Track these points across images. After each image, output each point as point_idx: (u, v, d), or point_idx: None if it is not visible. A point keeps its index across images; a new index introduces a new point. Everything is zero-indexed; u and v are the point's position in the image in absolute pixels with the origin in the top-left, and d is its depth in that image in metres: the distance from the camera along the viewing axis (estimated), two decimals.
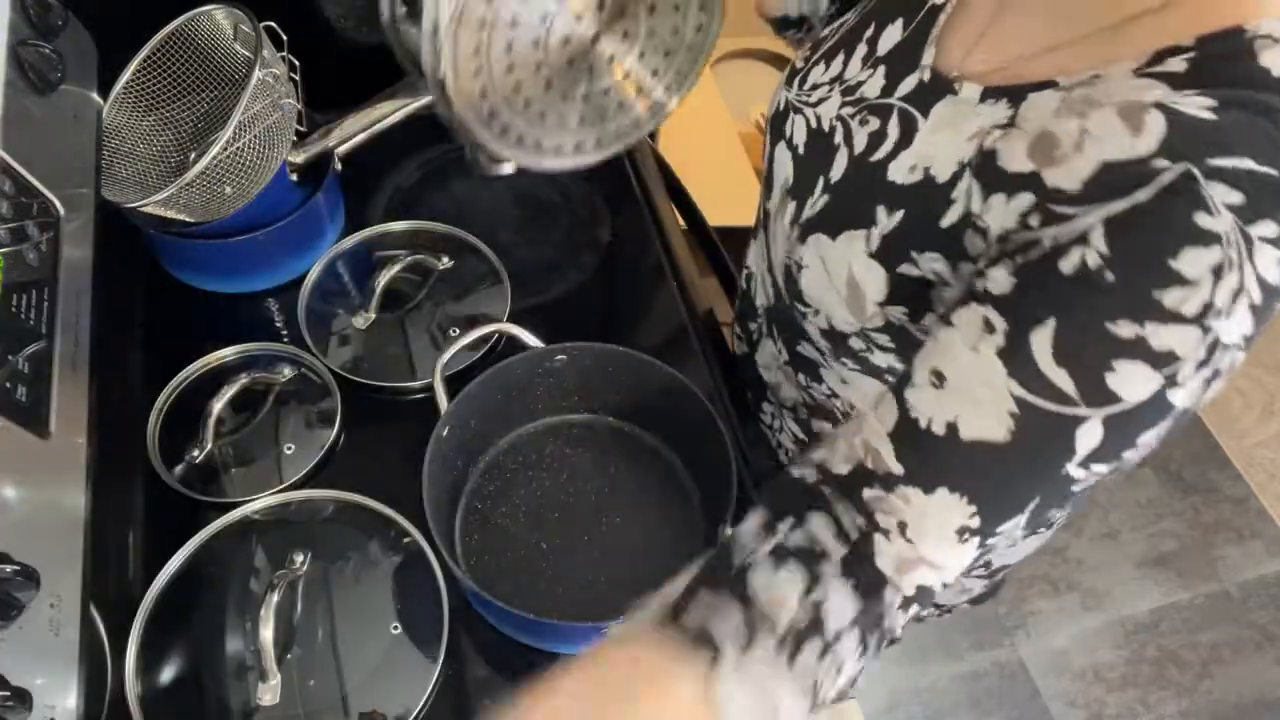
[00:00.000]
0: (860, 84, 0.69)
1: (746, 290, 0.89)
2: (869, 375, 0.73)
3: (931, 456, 0.52)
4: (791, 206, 0.72)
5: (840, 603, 0.52)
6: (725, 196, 1.72)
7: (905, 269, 0.61)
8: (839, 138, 0.69)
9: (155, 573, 0.77)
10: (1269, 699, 1.75)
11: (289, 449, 0.86)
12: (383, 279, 0.94)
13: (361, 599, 0.77)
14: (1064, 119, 0.54)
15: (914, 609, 0.54)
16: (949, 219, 0.59)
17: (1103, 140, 0.51)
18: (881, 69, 0.68)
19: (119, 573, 0.77)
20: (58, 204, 0.68)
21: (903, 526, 0.52)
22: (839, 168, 0.68)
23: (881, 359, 0.69)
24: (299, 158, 0.95)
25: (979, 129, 0.59)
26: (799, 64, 0.77)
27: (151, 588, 0.76)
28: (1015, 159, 0.55)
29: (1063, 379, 0.48)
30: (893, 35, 0.69)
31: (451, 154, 1.13)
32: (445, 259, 1.00)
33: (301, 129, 0.94)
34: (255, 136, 0.84)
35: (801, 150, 0.73)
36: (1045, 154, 0.53)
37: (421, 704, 0.73)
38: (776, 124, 0.77)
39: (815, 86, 0.74)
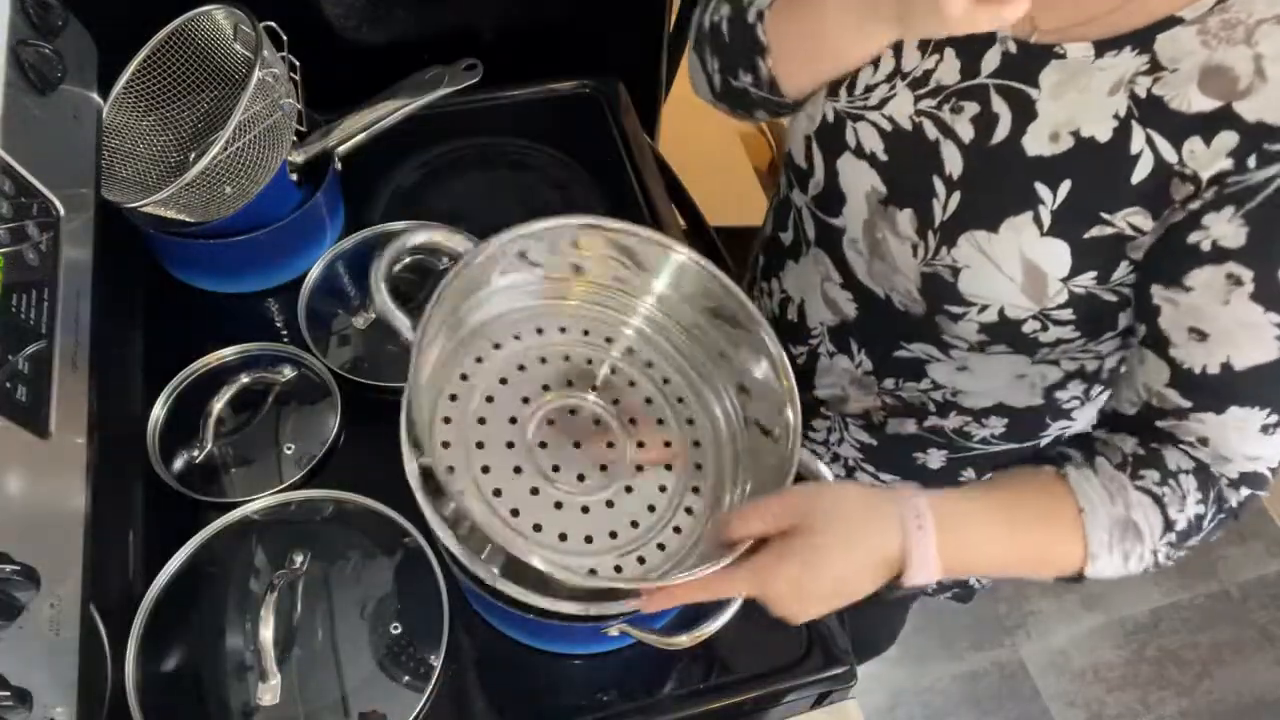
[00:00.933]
0: (929, 72, 0.67)
1: (779, 315, 0.86)
2: (1015, 353, 0.70)
3: (1213, 389, 0.59)
4: (905, 216, 0.68)
5: (1175, 456, 0.61)
6: (725, 196, 1.72)
7: (1095, 232, 0.61)
8: (933, 132, 0.67)
9: (155, 573, 0.77)
10: (1269, 699, 1.75)
11: (289, 449, 0.86)
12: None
13: (361, 599, 0.77)
14: (1221, 49, 0.55)
15: (1245, 490, 0.62)
16: (1141, 173, 0.58)
17: None
18: (949, 51, 0.66)
19: (119, 573, 0.77)
20: (58, 204, 0.68)
21: (1204, 440, 0.61)
22: (954, 162, 0.66)
23: (1052, 334, 0.67)
24: (299, 158, 0.95)
25: (1118, 80, 0.59)
26: None
27: (151, 588, 0.76)
28: (1191, 99, 0.56)
29: None
30: None
31: (451, 154, 1.13)
32: (445, 259, 0.99)
33: (301, 129, 0.94)
34: (255, 136, 0.84)
35: (884, 156, 0.70)
36: (1226, 87, 0.55)
37: (421, 704, 0.73)
38: (826, 138, 0.73)
39: (870, 88, 0.70)
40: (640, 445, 0.70)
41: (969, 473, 0.84)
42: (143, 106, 0.90)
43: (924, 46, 0.68)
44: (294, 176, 0.94)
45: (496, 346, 0.70)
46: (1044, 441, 0.81)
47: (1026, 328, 0.67)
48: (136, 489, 0.82)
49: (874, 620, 1.30)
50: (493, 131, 1.16)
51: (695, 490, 0.70)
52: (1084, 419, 0.81)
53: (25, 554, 0.54)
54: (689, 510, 0.69)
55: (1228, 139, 0.55)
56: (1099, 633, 1.81)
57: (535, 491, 0.65)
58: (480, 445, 0.66)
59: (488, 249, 0.65)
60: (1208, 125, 0.56)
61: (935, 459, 0.84)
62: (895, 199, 0.70)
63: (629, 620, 0.66)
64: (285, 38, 0.89)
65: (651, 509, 0.68)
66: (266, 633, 0.70)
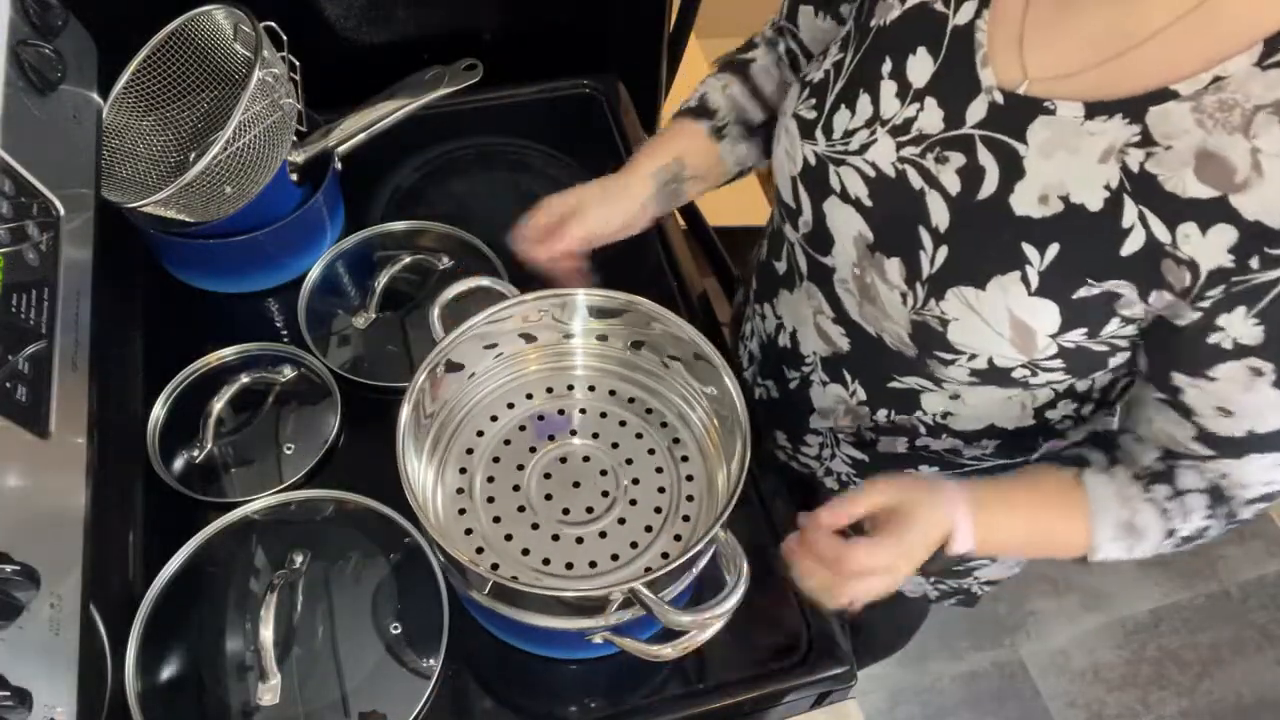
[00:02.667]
0: (910, 120, 0.67)
1: (772, 339, 0.86)
2: (1007, 387, 0.72)
3: (1235, 446, 0.64)
4: (893, 264, 0.68)
5: (1189, 476, 0.67)
6: (725, 197, 1.72)
7: (1083, 293, 0.61)
8: (917, 182, 0.66)
9: (155, 573, 0.77)
10: (1269, 699, 1.75)
11: (289, 449, 0.86)
12: (383, 279, 0.94)
13: (361, 599, 0.77)
14: (1218, 134, 0.54)
15: (1260, 505, 0.68)
16: (1130, 247, 0.58)
17: None
18: (929, 101, 0.66)
19: (119, 573, 0.77)
20: (58, 204, 0.68)
21: (1224, 475, 0.66)
22: (940, 214, 0.65)
23: (1042, 378, 0.68)
24: (299, 158, 0.95)
25: (1108, 148, 0.58)
26: (806, 114, 0.74)
27: (151, 588, 0.76)
28: (1186, 184, 0.55)
29: None
30: (922, 64, 0.66)
31: (451, 154, 1.13)
32: (445, 259, 1.00)
33: (301, 129, 0.94)
34: (255, 136, 0.84)
35: (868, 202, 0.70)
36: (1221, 178, 0.54)
37: (421, 704, 0.73)
38: (811, 180, 0.73)
39: (849, 133, 0.70)
40: (629, 462, 0.75)
41: None
42: (143, 106, 0.90)
43: (903, 95, 0.67)
44: (294, 176, 0.94)
45: (480, 434, 0.77)
46: (1034, 457, 0.81)
47: (1016, 374, 0.68)
48: (136, 489, 0.82)
49: (895, 618, 1.30)
50: (493, 131, 1.16)
51: (690, 479, 0.75)
52: (1076, 437, 0.81)
53: (25, 554, 0.54)
54: (689, 498, 0.74)
55: (1226, 233, 0.55)
56: (1099, 633, 1.81)
57: (556, 538, 0.71)
58: (497, 520, 0.72)
59: (431, 363, 0.72)
60: (1204, 213, 0.55)
61: (926, 473, 0.84)
62: (883, 246, 0.69)
63: (613, 630, 0.66)
64: (285, 38, 0.89)
65: (658, 510, 0.73)
66: (266, 633, 0.70)
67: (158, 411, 0.87)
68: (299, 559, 0.77)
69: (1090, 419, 0.78)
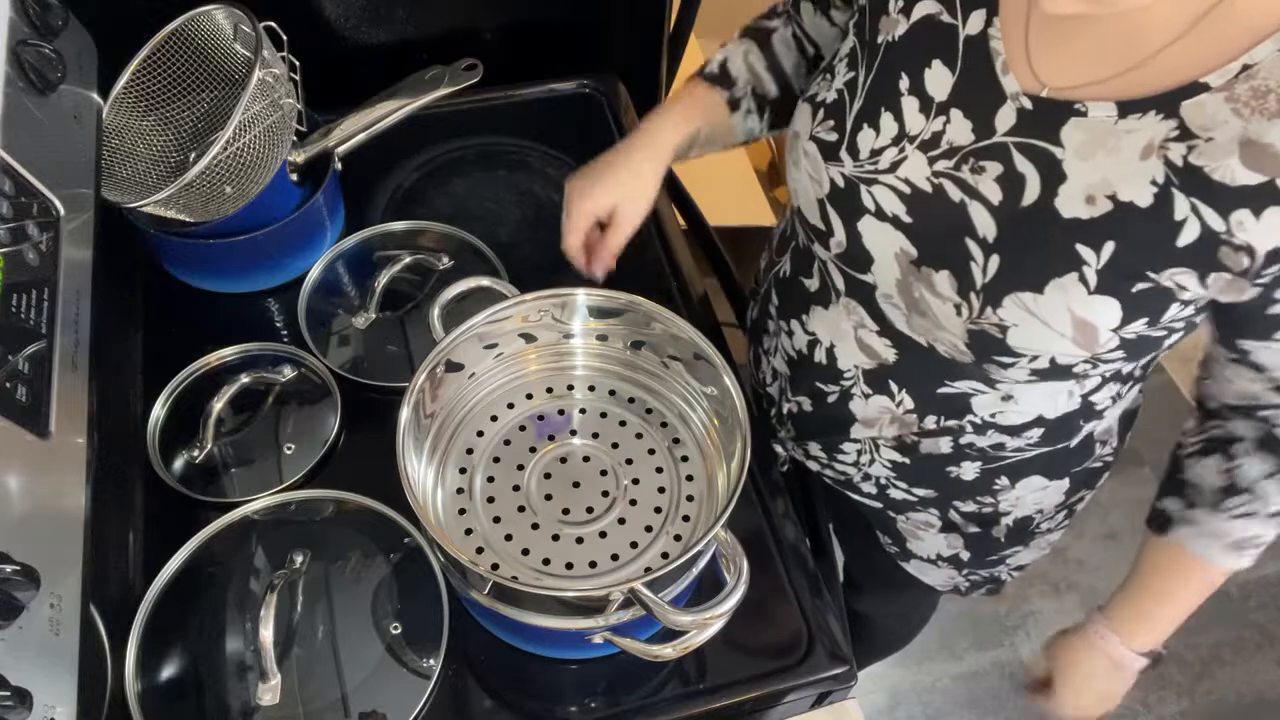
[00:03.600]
0: (939, 134, 0.67)
1: (806, 355, 0.85)
2: (1063, 380, 0.73)
3: None
4: (942, 278, 0.68)
5: (1252, 466, 0.72)
6: (725, 197, 1.72)
7: (1143, 286, 0.61)
8: (956, 194, 0.67)
9: (155, 573, 0.77)
10: (1269, 699, 1.75)
11: (289, 449, 0.86)
12: (383, 279, 0.94)
13: (361, 599, 0.77)
14: (1256, 120, 0.55)
15: None
16: (1186, 238, 0.59)
17: None
18: (955, 113, 0.66)
19: (119, 573, 0.77)
20: (58, 204, 0.68)
21: None
22: (985, 224, 0.66)
23: (1101, 369, 0.69)
24: (299, 158, 0.95)
25: (1148, 144, 0.59)
26: (826, 137, 0.73)
27: (151, 588, 0.76)
28: (1235, 173, 0.56)
29: None
30: (940, 77, 0.66)
31: (451, 154, 1.13)
32: (445, 259, 1.00)
33: (301, 129, 0.94)
34: (255, 136, 0.84)
35: (907, 219, 0.69)
36: (1268, 163, 0.55)
37: (421, 704, 0.73)
38: (842, 202, 0.73)
39: (876, 153, 0.70)
40: (629, 462, 0.75)
41: (1003, 480, 0.85)
42: (143, 106, 0.90)
43: (926, 109, 0.67)
44: (294, 176, 0.94)
45: (480, 434, 0.77)
46: (1075, 441, 0.82)
47: (1078, 369, 0.69)
48: (136, 489, 0.82)
49: (899, 616, 1.30)
50: (493, 131, 1.16)
51: (690, 479, 0.75)
52: (1113, 415, 0.83)
53: (25, 554, 0.54)
54: (689, 498, 0.74)
55: (1279, 215, 0.56)
56: None
57: (556, 538, 0.72)
58: (497, 520, 0.73)
59: (431, 364, 0.72)
60: (1255, 198, 0.56)
61: (969, 471, 0.84)
62: (928, 260, 0.69)
63: (613, 630, 0.66)
64: (285, 38, 0.89)
65: (658, 510, 0.73)
66: (266, 633, 0.70)
67: (158, 411, 0.87)
68: (299, 559, 0.77)
69: (1127, 399, 0.81)
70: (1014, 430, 0.79)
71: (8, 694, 0.49)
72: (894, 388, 0.80)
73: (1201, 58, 0.57)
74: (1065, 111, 0.61)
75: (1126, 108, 0.59)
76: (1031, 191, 0.63)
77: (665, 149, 0.86)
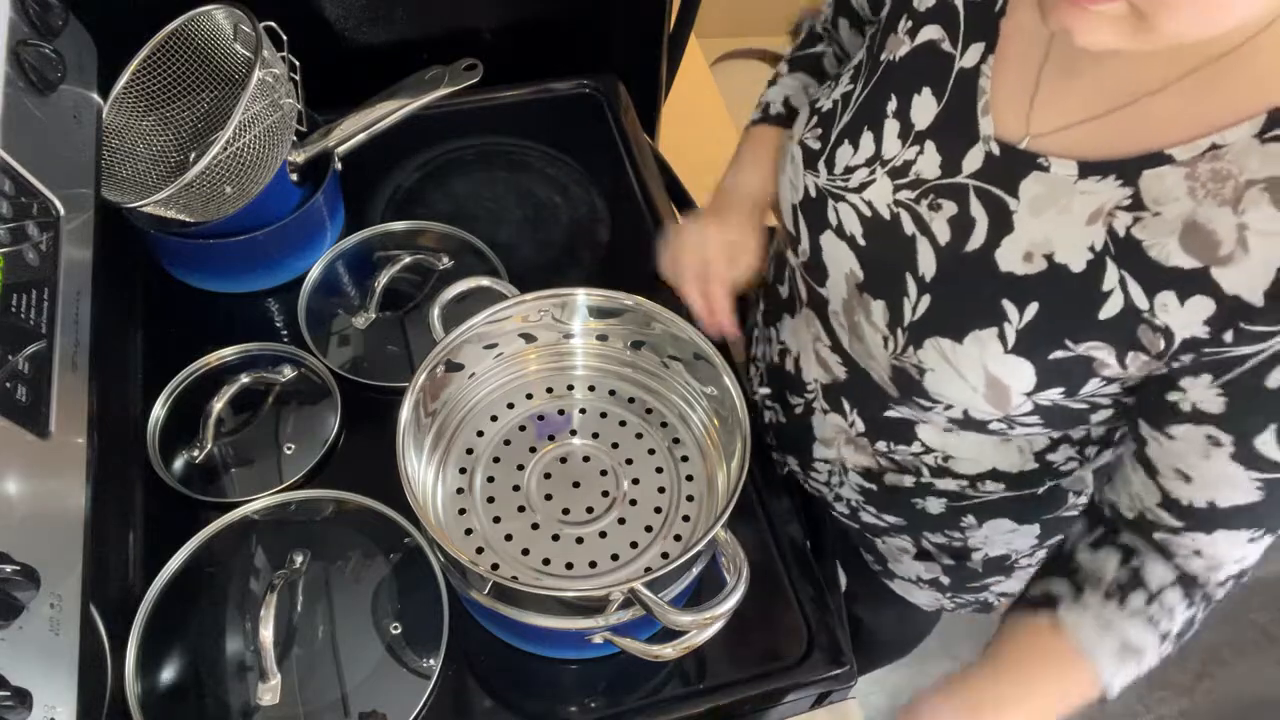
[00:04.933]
0: (909, 163, 0.66)
1: (779, 364, 0.86)
2: (985, 434, 0.71)
3: (1200, 518, 0.61)
4: (878, 307, 0.68)
5: (1156, 569, 0.64)
6: None
7: (1059, 354, 0.60)
8: (910, 227, 0.66)
9: (155, 573, 0.77)
10: (1269, 699, 1.75)
11: (289, 449, 0.86)
12: (383, 279, 0.94)
13: (361, 599, 0.77)
14: (1207, 205, 0.54)
15: (1231, 583, 0.66)
16: (1109, 311, 0.58)
17: (1268, 238, 0.52)
18: (929, 145, 0.65)
19: (119, 573, 0.77)
20: (58, 204, 0.68)
21: (1197, 552, 0.63)
22: (927, 262, 0.65)
23: (1019, 431, 0.67)
24: (299, 158, 0.95)
25: (1097, 209, 0.57)
26: (811, 144, 0.73)
27: (151, 588, 0.76)
28: (1170, 253, 0.55)
29: None
30: (926, 106, 0.65)
31: (451, 154, 1.13)
32: (445, 259, 1.00)
33: (301, 129, 0.94)
34: (255, 136, 0.84)
35: (862, 241, 0.69)
36: (1205, 250, 0.54)
37: (421, 704, 0.73)
38: (811, 212, 0.73)
39: (850, 170, 0.69)
40: (629, 462, 0.75)
41: (970, 518, 0.84)
42: (143, 106, 0.90)
43: (905, 135, 0.66)
44: (294, 176, 0.94)
45: (480, 434, 0.77)
46: (1041, 490, 0.80)
47: (993, 426, 0.68)
48: (136, 489, 0.82)
49: (901, 628, 1.30)
50: (493, 131, 1.16)
51: (690, 479, 0.75)
52: (1082, 472, 0.80)
53: (25, 554, 0.54)
54: (689, 498, 0.74)
55: (1203, 305, 0.55)
56: None
57: (556, 538, 0.72)
58: (497, 520, 0.73)
59: (430, 365, 0.72)
60: (1184, 283, 0.55)
61: (935, 506, 0.84)
62: (870, 288, 0.69)
63: (613, 630, 0.66)
64: (285, 38, 0.89)
65: (658, 510, 0.74)
66: (266, 633, 0.70)
67: (158, 411, 0.87)
68: (299, 559, 0.77)
69: (1095, 459, 0.77)
70: (971, 480, 0.79)
71: (8, 694, 0.49)
72: (846, 406, 0.79)
73: (1176, 124, 0.55)
74: (1029, 164, 0.60)
75: (1088, 169, 0.58)
76: (977, 238, 0.62)
77: (760, 204, 0.83)
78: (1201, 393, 0.57)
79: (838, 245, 0.71)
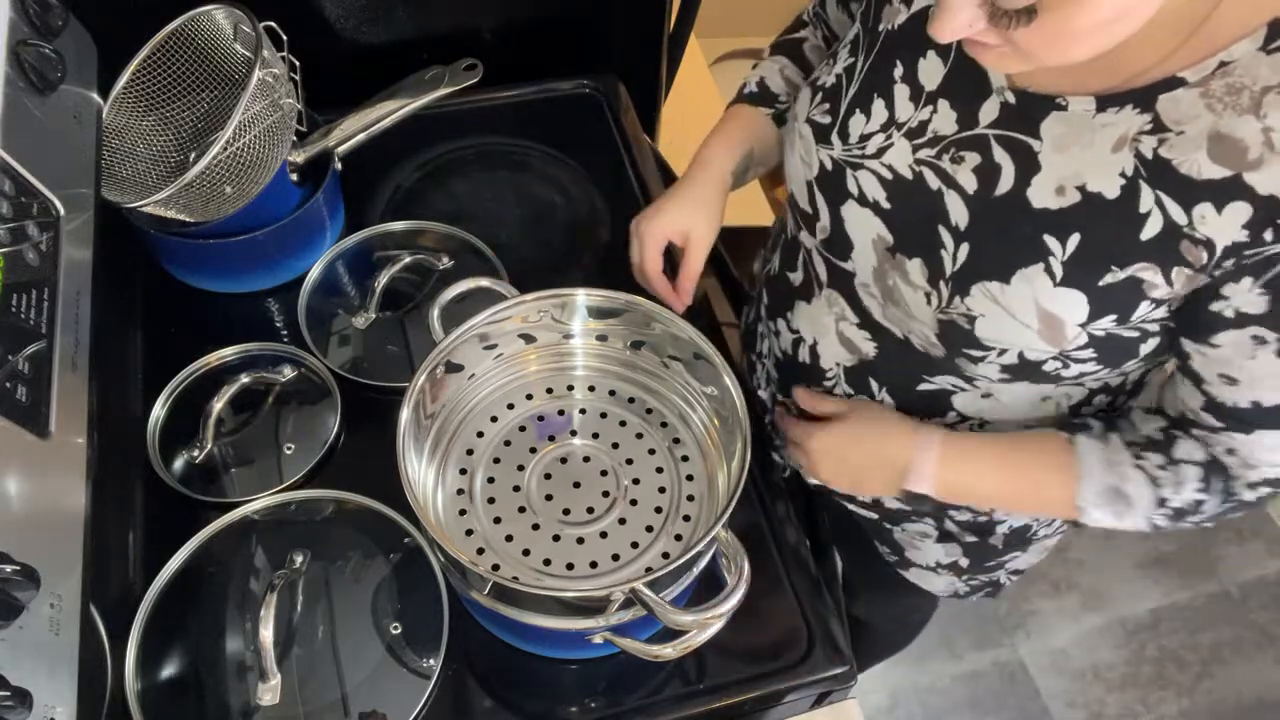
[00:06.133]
0: (925, 123, 0.68)
1: (791, 355, 0.86)
2: (1039, 383, 0.72)
3: (1242, 417, 0.64)
4: (914, 265, 0.69)
5: (1187, 445, 0.68)
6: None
7: (1109, 279, 0.61)
8: (935, 183, 0.67)
9: (155, 573, 0.77)
10: (1269, 699, 1.75)
11: (289, 449, 0.86)
12: (383, 279, 0.94)
13: (361, 599, 0.77)
14: (1228, 116, 0.56)
15: (1265, 489, 0.67)
16: (1149, 231, 0.59)
17: None
18: (942, 103, 0.67)
19: (119, 573, 0.77)
20: (58, 204, 0.68)
21: (1231, 450, 0.66)
22: (958, 212, 0.66)
23: (1074, 370, 0.68)
24: (299, 158, 0.95)
25: (1121, 137, 0.59)
26: (820, 119, 0.74)
27: (151, 588, 0.76)
28: (1201, 166, 0.57)
29: None
30: (932, 67, 0.67)
31: (451, 154, 1.13)
32: (445, 259, 1.00)
33: (301, 129, 0.94)
34: (255, 136, 0.84)
35: (887, 205, 0.70)
36: (1234, 158, 0.56)
37: (421, 704, 0.73)
38: (829, 185, 0.74)
39: (865, 137, 0.71)
40: (629, 462, 0.75)
41: None
42: (143, 106, 0.90)
43: (916, 98, 0.68)
44: (294, 176, 0.94)
45: (480, 435, 0.77)
46: None
47: (1048, 367, 0.68)
48: (136, 489, 0.82)
49: (899, 618, 1.30)
50: (493, 131, 1.16)
51: (690, 478, 0.75)
52: None
53: (25, 554, 0.54)
54: (689, 498, 0.74)
55: (1240, 210, 0.56)
56: (1099, 633, 1.81)
57: (557, 538, 0.72)
58: (498, 520, 0.73)
59: (431, 365, 0.72)
60: (1218, 193, 0.57)
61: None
62: (903, 248, 0.70)
63: (614, 630, 0.66)
64: (285, 38, 0.89)
65: (659, 510, 0.73)
66: (266, 633, 0.70)
67: (158, 411, 0.87)
68: (299, 559, 0.77)
69: (1119, 408, 0.79)
70: None
71: (8, 694, 0.49)
72: (874, 386, 0.80)
73: (1180, 54, 0.57)
74: (1047, 105, 0.62)
75: (1105, 101, 0.60)
76: (1005, 181, 0.64)
77: (722, 175, 0.87)
78: (1244, 297, 0.58)
79: (860, 213, 0.72)
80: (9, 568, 0.52)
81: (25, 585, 0.53)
